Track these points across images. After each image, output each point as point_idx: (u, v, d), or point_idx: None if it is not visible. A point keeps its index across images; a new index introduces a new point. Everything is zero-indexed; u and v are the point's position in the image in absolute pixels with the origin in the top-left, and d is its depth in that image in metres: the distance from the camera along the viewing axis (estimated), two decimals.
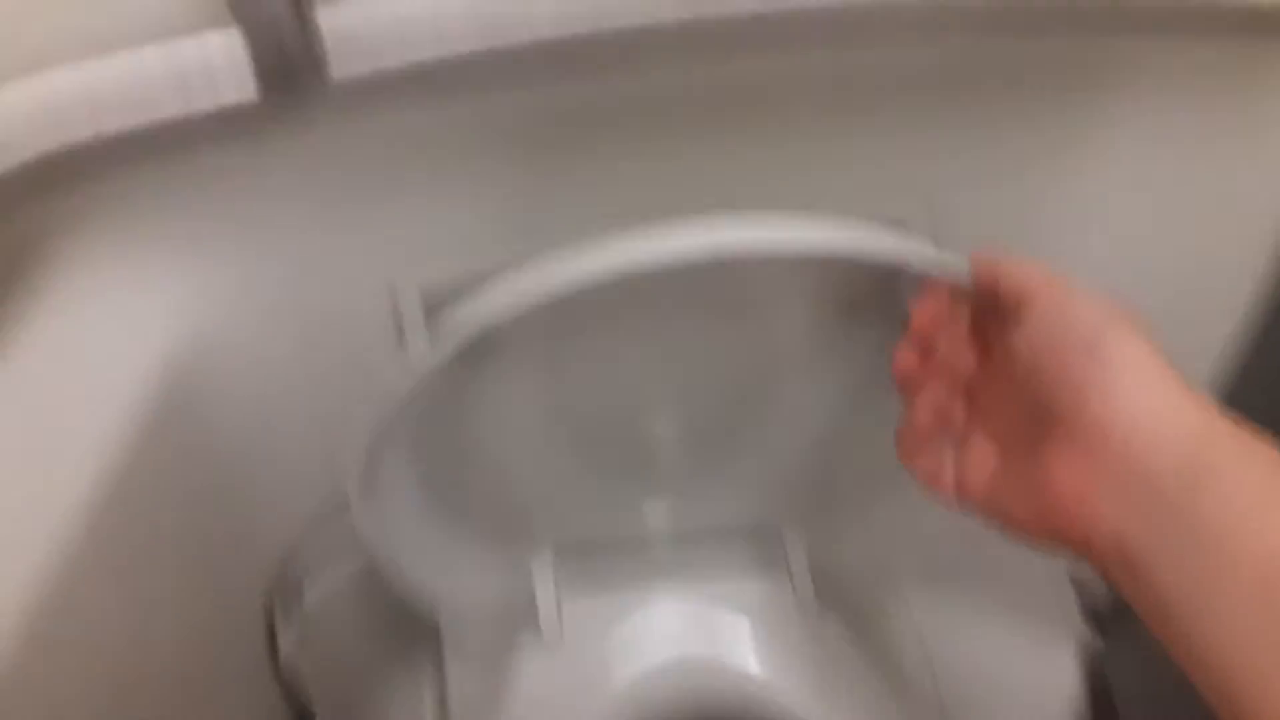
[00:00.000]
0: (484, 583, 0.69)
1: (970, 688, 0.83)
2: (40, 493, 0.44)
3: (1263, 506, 0.30)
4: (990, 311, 0.40)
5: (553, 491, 0.66)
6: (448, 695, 0.73)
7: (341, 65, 0.39)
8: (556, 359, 0.56)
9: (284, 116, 0.41)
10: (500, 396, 0.56)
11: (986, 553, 0.83)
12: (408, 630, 0.78)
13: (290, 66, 0.38)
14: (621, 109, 0.48)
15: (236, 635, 0.66)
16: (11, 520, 0.43)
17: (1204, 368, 0.65)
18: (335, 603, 0.72)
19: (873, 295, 0.51)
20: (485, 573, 0.68)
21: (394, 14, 0.39)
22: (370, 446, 0.48)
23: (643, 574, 0.72)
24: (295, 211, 0.50)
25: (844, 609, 0.73)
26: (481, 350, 0.52)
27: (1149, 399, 0.33)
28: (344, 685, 0.78)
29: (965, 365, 0.42)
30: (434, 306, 0.55)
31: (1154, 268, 0.61)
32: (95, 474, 0.47)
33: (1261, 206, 0.56)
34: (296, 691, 0.72)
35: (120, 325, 0.50)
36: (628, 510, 0.70)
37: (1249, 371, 0.64)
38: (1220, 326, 0.64)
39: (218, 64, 0.37)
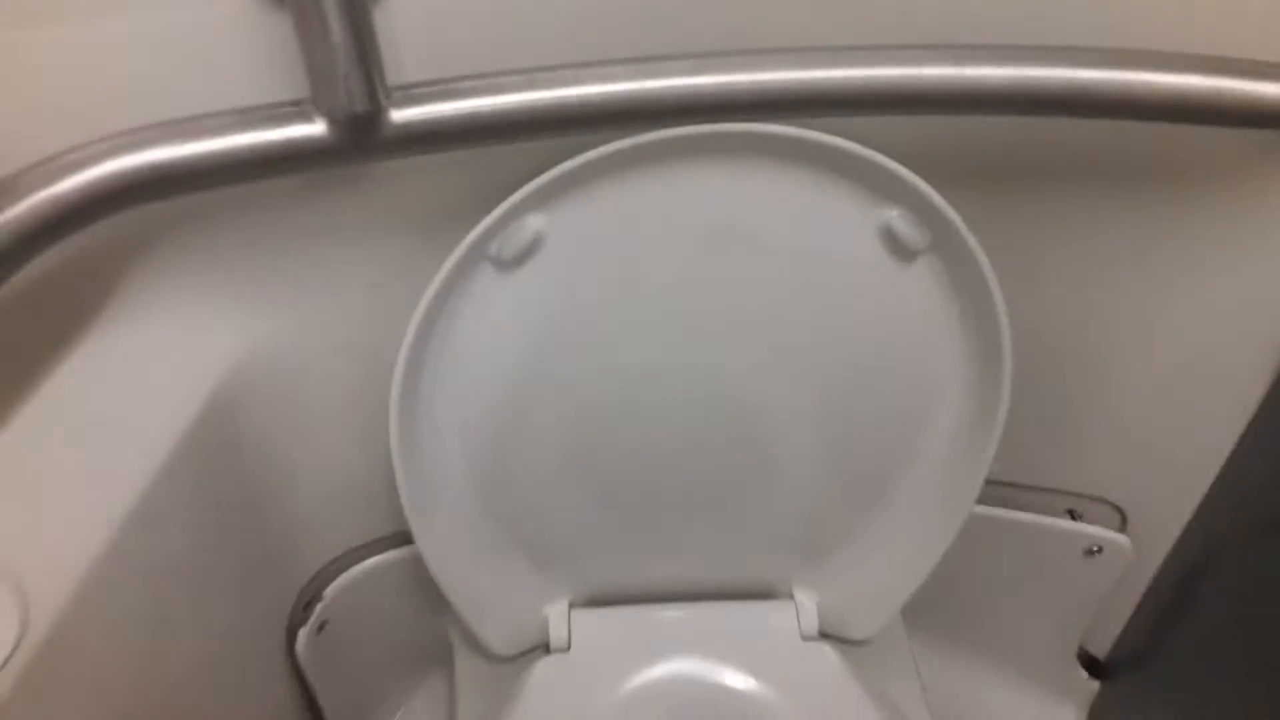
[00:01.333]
0: (504, 591, 0.72)
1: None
2: (105, 475, 0.49)
3: None
4: None
5: (575, 529, 0.70)
6: (457, 698, 0.77)
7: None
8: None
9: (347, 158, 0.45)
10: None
11: (989, 602, 0.86)
12: (420, 641, 0.82)
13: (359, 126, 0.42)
14: None
15: (260, 637, 0.70)
16: (74, 500, 0.47)
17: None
18: (352, 611, 0.76)
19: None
20: (507, 581, 0.72)
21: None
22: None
23: (652, 593, 0.75)
24: (346, 253, 0.55)
25: (845, 644, 0.76)
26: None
27: None
28: (356, 691, 0.82)
29: None
30: None
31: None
32: (148, 472, 0.51)
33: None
34: (311, 693, 0.76)
35: (181, 341, 0.55)
36: (645, 559, 0.74)
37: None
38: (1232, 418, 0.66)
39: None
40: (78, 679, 0.47)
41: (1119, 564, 0.76)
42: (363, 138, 0.44)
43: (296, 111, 0.43)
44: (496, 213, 0.50)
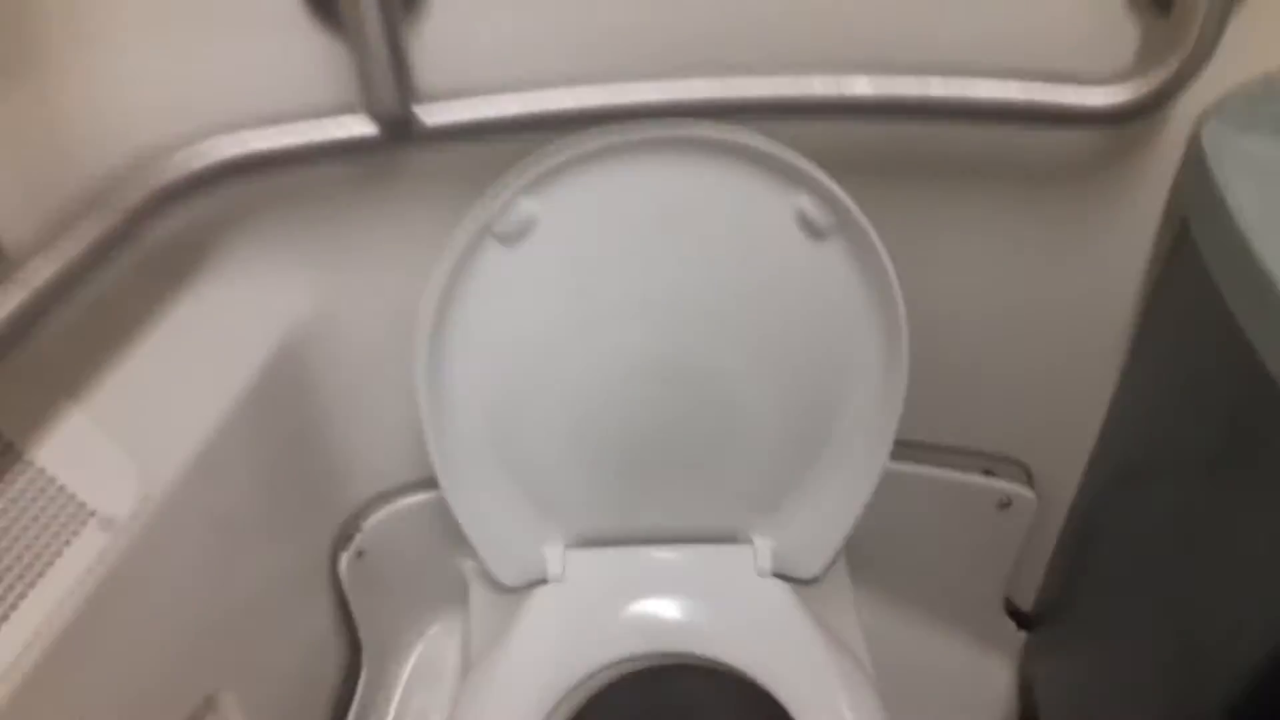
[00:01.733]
0: (512, 532, 0.87)
1: (905, 671, 0.97)
2: (200, 395, 0.65)
3: None
4: None
5: (571, 481, 0.85)
6: (471, 622, 0.91)
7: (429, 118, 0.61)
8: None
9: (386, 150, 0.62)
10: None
11: (921, 555, 0.99)
12: (442, 574, 0.97)
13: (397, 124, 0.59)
14: None
15: (309, 555, 0.86)
16: (179, 411, 0.63)
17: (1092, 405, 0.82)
18: (386, 543, 0.92)
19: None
20: (514, 523, 0.87)
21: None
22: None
23: (634, 537, 0.90)
24: (387, 232, 0.72)
25: (795, 582, 0.89)
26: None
27: None
28: (387, 615, 0.97)
29: None
30: None
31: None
32: (232, 395, 0.68)
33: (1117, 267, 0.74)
34: (349, 613, 0.91)
35: (256, 299, 0.72)
36: (628, 509, 0.88)
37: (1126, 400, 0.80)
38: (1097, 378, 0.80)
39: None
40: (172, 559, 0.63)
41: (1027, 515, 0.89)
42: (400, 133, 0.61)
43: (350, 113, 0.60)
44: (496, 198, 0.67)
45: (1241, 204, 0.59)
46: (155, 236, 0.63)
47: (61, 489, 0.55)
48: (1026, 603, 0.98)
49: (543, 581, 0.88)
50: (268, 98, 0.61)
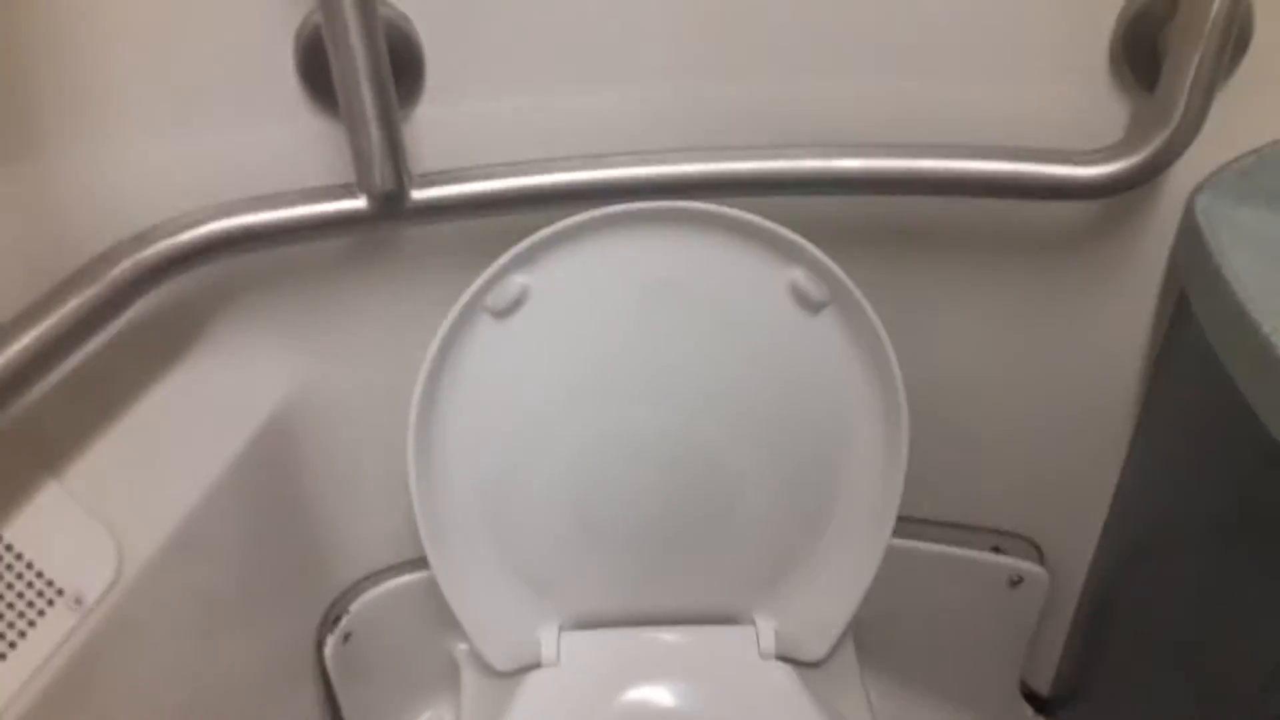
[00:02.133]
0: (504, 614, 0.84)
1: None
2: (183, 470, 0.64)
3: None
4: None
5: (567, 563, 0.83)
6: (462, 707, 0.88)
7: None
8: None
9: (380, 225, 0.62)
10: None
11: (931, 636, 0.96)
12: (433, 657, 0.94)
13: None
14: None
15: (293, 641, 0.83)
16: (160, 485, 0.62)
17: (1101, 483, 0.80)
18: (374, 626, 0.89)
19: None
20: (507, 605, 0.84)
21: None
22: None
23: (632, 618, 0.87)
24: (378, 309, 0.72)
25: (800, 665, 0.86)
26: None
27: None
28: (375, 699, 0.93)
29: None
30: None
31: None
32: (215, 472, 0.66)
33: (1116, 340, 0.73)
34: (335, 700, 0.88)
35: (246, 375, 0.71)
36: (625, 589, 0.86)
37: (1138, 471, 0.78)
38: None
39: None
40: (148, 640, 0.61)
41: (1040, 593, 0.86)
42: (392, 210, 0.61)
43: (345, 191, 0.60)
44: (488, 271, 0.66)
45: (1238, 274, 0.58)
46: (147, 310, 0.63)
47: (30, 565, 0.54)
48: (1043, 685, 0.95)
49: (537, 665, 0.85)
50: (265, 179, 0.62)
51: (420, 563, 0.86)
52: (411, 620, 0.90)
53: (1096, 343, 0.73)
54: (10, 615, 0.52)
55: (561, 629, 0.87)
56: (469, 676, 0.91)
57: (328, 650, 0.84)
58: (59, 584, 0.55)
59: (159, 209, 0.58)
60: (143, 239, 0.56)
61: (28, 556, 0.54)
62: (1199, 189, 0.64)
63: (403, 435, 0.71)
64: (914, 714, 1.00)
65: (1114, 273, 0.70)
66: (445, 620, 0.84)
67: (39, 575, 0.54)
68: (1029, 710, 0.95)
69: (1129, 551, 0.80)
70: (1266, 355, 0.52)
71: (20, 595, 0.53)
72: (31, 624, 0.53)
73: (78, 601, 0.55)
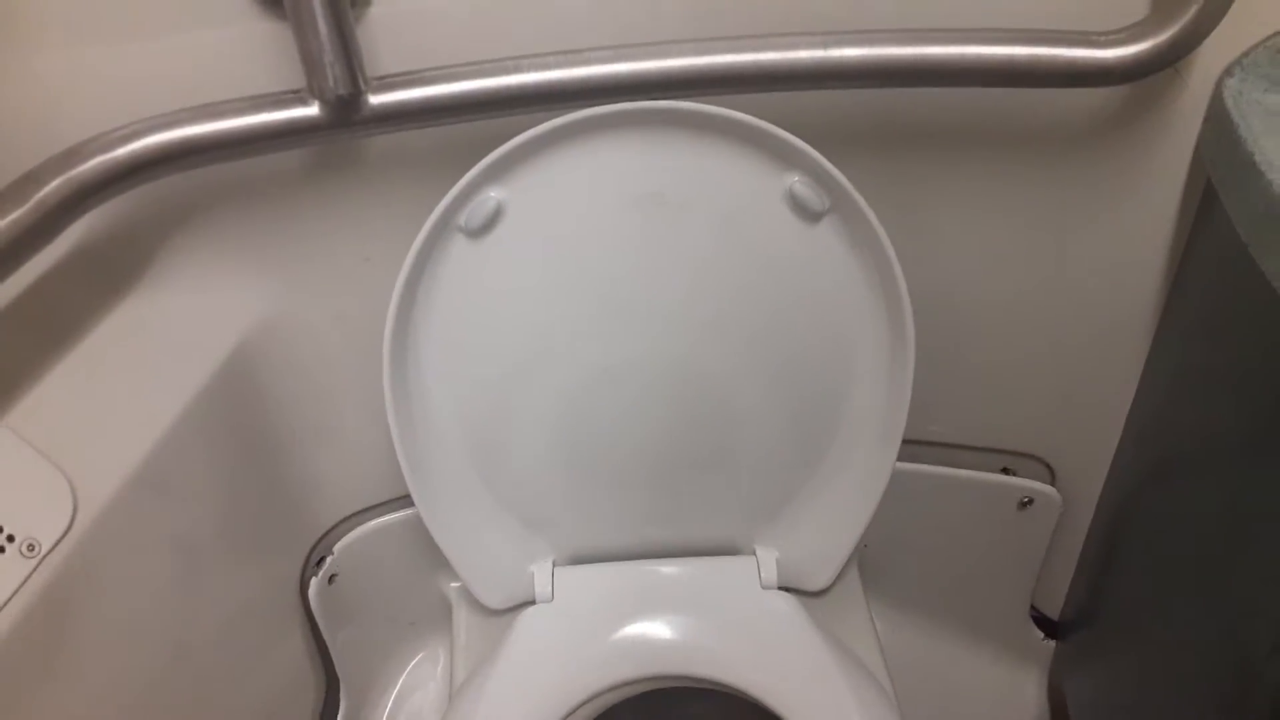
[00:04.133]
0: (495, 550, 0.81)
1: (926, 686, 0.91)
2: (141, 407, 0.60)
3: None
4: None
5: (558, 495, 0.80)
6: (455, 648, 0.85)
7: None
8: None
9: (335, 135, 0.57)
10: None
11: (941, 562, 0.93)
12: (423, 598, 0.91)
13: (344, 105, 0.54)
14: None
15: (276, 586, 0.80)
16: (115, 425, 0.58)
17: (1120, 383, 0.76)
18: (360, 566, 0.86)
19: None
20: (498, 541, 0.81)
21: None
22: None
23: (628, 552, 0.84)
24: (341, 229, 0.67)
25: (804, 595, 0.83)
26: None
27: None
28: (364, 645, 0.91)
29: None
30: None
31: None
32: (177, 408, 0.62)
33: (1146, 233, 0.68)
34: (324, 646, 0.85)
35: (205, 304, 0.66)
36: (620, 521, 0.82)
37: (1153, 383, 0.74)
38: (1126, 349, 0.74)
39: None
40: (117, 589, 0.57)
41: (1051, 515, 0.83)
42: (348, 117, 0.55)
43: (296, 97, 0.55)
44: (458, 186, 0.61)
45: (1273, 162, 0.53)
46: (92, 236, 0.58)
47: None
48: (1054, 610, 0.92)
49: (530, 602, 0.82)
50: (208, 88, 0.56)
51: (405, 500, 0.83)
52: (399, 559, 0.87)
53: (1114, 247, 0.68)
54: None
55: (556, 564, 0.84)
56: (461, 615, 0.88)
57: (312, 593, 0.81)
58: (8, 530, 0.51)
59: (91, 124, 0.53)
60: (74, 154, 0.51)
61: None
62: (1228, 72, 0.59)
63: (378, 367, 0.67)
64: (921, 642, 0.97)
65: (1135, 169, 0.65)
66: (435, 558, 0.80)
67: None
68: (1039, 635, 0.93)
69: (1146, 470, 0.76)
70: None
71: None
72: None
73: (30, 548, 0.51)
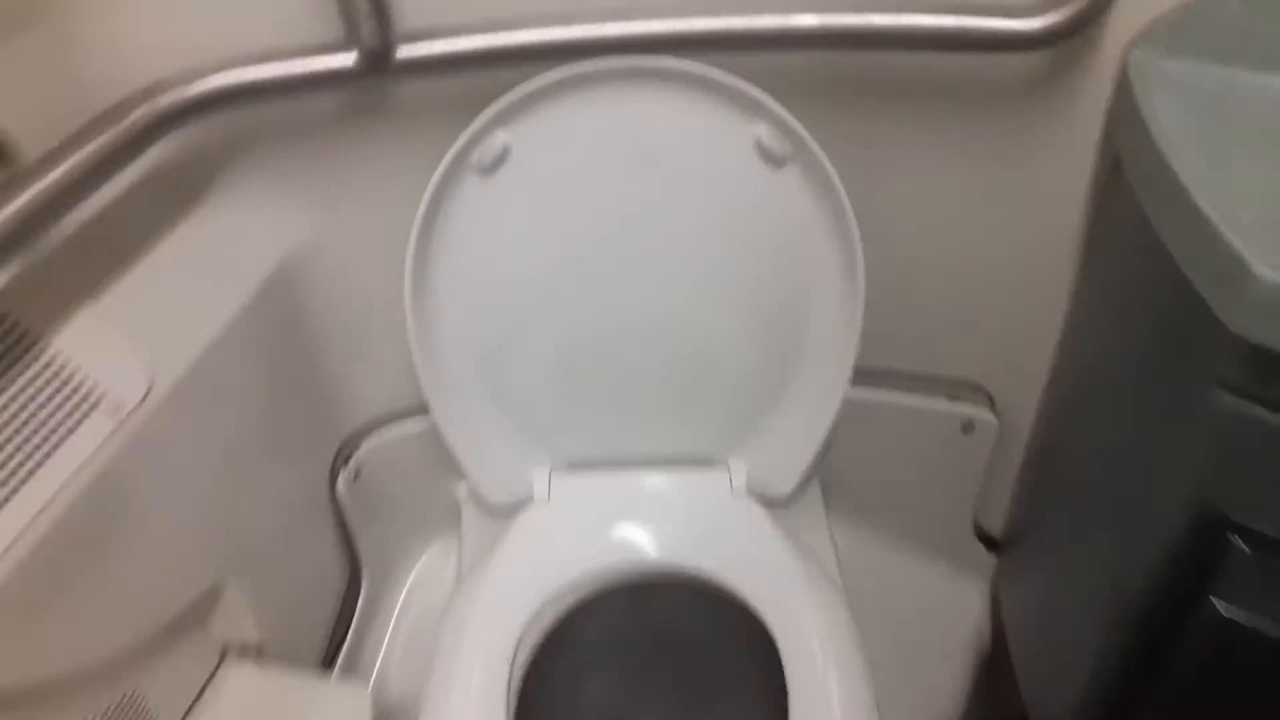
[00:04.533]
0: (500, 456, 0.92)
1: (881, 594, 1.02)
2: (202, 306, 0.71)
3: None
4: None
5: (556, 409, 0.91)
6: (463, 543, 0.97)
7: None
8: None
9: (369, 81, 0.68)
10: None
11: (892, 481, 1.03)
12: (437, 500, 1.03)
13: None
14: None
15: (308, 476, 0.92)
16: (181, 317, 0.69)
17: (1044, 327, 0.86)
18: (382, 465, 0.98)
19: None
20: (503, 448, 0.92)
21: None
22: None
23: (617, 462, 0.95)
24: (373, 166, 0.77)
25: (770, 502, 0.94)
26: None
27: None
28: (385, 537, 1.03)
29: None
30: None
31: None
32: (228, 315, 0.74)
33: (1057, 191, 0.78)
34: (350, 535, 0.97)
35: (254, 223, 0.78)
36: (609, 435, 0.93)
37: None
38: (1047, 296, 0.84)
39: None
40: (178, 457, 0.69)
41: (989, 437, 0.94)
42: (379, 65, 0.66)
43: (336, 47, 0.66)
44: (471, 128, 0.72)
45: (1161, 125, 0.63)
46: (164, 160, 0.69)
47: (73, 375, 0.61)
48: (996, 528, 1.03)
49: (529, 503, 0.93)
50: (267, 39, 0.67)
51: (422, 409, 0.94)
52: (416, 463, 0.98)
53: (1041, 195, 0.78)
54: (57, 418, 0.60)
55: (552, 471, 0.95)
56: (468, 515, 1.00)
57: (340, 486, 0.93)
58: (98, 394, 0.62)
59: (163, 64, 0.64)
60: (154, 89, 0.62)
61: (71, 368, 0.61)
62: (1134, 43, 0.68)
63: (400, 287, 0.78)
64: (876, 555, 1.08)
65: (1057, 125, 0.75)
66: (446, 464, 0.92)
67: (81, 384, 0.62)
68: (982, 550, 1.04)
69: (1068, 398, 0.86)
70: (1182, 202, 0.57)
71: (66, 400, 0.61)
72: (72, 430, 0.61)
73: (115, 411, 0.63)
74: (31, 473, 0.58)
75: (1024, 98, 0.74)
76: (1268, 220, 0.55)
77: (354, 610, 0.99)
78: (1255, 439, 0.58)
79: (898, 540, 1.08)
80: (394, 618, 1.07)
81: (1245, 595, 0.61)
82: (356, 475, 0.95)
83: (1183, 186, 0.58)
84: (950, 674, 1.03)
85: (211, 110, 0.64)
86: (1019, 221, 0.80)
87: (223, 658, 0.82)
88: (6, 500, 0.57)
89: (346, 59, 0.66)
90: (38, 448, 0.59)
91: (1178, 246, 0.60)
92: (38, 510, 0.58)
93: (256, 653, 0.84)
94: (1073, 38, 0.66)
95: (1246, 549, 0.62)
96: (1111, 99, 0.72)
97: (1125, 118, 0.67)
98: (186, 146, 0.71)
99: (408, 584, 1.08)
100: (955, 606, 1.06)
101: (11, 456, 0.58)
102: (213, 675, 0.81)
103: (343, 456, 0.94)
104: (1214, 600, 0.61)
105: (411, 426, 0.97)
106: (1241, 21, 0.68)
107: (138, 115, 0.61)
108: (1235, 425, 0.59)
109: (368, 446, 0.95)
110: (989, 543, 1.04)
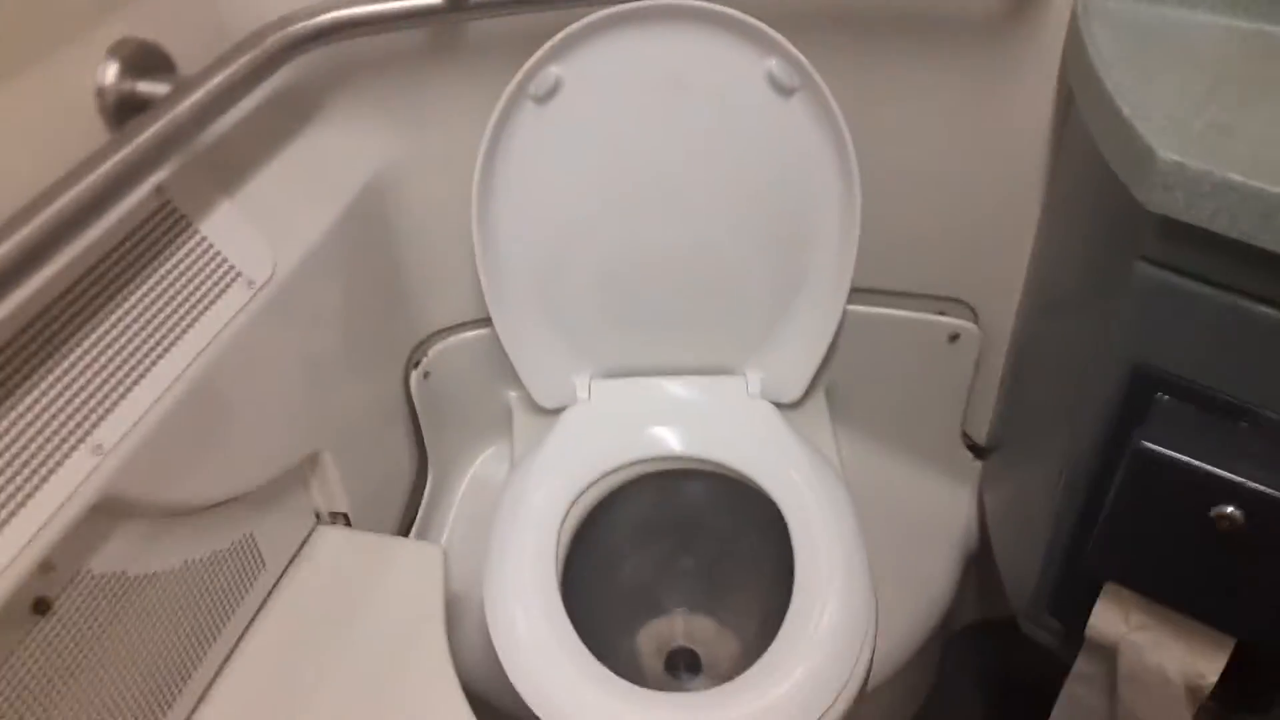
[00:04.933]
0: (549, 364, 1.07)
1: (879, 494, 1.15)
2: (308, 210, 0.87)
3: None
4: None
5: (597, 323, 1.05)
6: (515, 438, 1.12)
7: None
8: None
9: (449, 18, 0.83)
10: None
11: (889, 389, 1.17)
12: (495, 404, 1.18)
13: None
14: None
15: (386, 370, 1.07)
16: (294, 217, 0.85)
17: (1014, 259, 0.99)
18: (448, 368, 1.13)
19: None
20: (552, 357, 1.07)
21: None
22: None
23: (650, 370, 1.09)
24: (452, 97, 0.93)
25: (781, 407, 1.08)
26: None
27: None
28: (449, 434, 1.18)
29: None
30: None
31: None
32: (331, 218, 0.89)
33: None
34: (419, 430, 1.12)
35: (349, 143, 0.93)
36: (642, 346, 1.08)
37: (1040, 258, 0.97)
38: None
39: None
40: (293, 325, 0.84)
41: (973, 347, 1.07)
42: (459, 3, 0.81)
43: None
44: (530, 62, 0.87)
45: (1100, 51, 0.76)
46: (285, 85, 0.85)
47: (217, 254, 0.77)
48: (981, 436, 1.16)
49: (573, 403, 1.08)
50: None
51: (482, 321, 1.09)
52: (476, 370, 1.14)
53: (1011, 122, 0.92)
54: (206, 286, 0.76)
55: (593, 377, 1.09)
56: (519, 416, 1.15)
57: (412, 384, 1.08)
58: (235, 272, 0.78)
59: (292, 4, 0.80)
60: (285, 20, 0.78)
61: (215, 248, 0.77)
62: None
63: (469, 207, 0.93)
64: (875, 463, 1.21)
65: (1024, 60, 0.88)
66: (501, 373, 1.07)
67: (223, 260, 0.77)
68: (970, 457, 1.17)
69: (1036, 303, 0.99)
70: (1111, 110, 0.71)
71: (212, 273, 0.76)
72: (217, 298, 0.76)
73: (248, 286, 0.78)
74: (188, 328, 0.74)
75: (995, 36, 0.88)
76: (1174, 119, 0.69)
77: (421, 498, 1.14)
78: (1169, 301, 0.72)
79: (894, 449, 1.21)
80: (454, 507, 1.22)
81: (1165, 435, 0.74)
82: (426, 375, 1.10)
83: (1110, 96, 0.72)
84: (941, 569, 1.16)
85: (328, 39, 0.79)
86: (994, 148, 0.94)
87: (317, 522, 0.98)
88: (170, 348, 0.72)
89: (432, 0, 0.81)
90: (192, 309, 0.74)
91: (1106, 147, 0.73)
92: (193, 357, 0.73)
93: (345, 521, 0.99)
94: None
95: (1167, 397, 0.75)
96: (1067, 35, 0.85)
97: (1075, 49, 0.81)
98: (301, 75, 0.86)
99: (466, 478, 1.23)
100: (946, 509, 1.19)
101: (175, 312, 0.73)
102: (309, 536, 0.96)
103: (415, 358, 1.10)
104: (1139, 439, 0.74)
105: (473, 334, 1.12)
106: None
107: (272, 41, 0.76)
108: (1154, 290, 0.72)
109: (436, 350, 1.10)
110: (976, 450, 1.17)
